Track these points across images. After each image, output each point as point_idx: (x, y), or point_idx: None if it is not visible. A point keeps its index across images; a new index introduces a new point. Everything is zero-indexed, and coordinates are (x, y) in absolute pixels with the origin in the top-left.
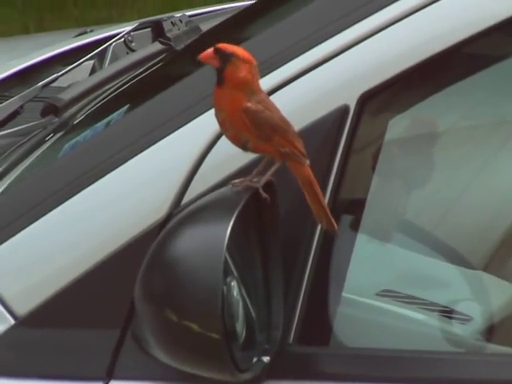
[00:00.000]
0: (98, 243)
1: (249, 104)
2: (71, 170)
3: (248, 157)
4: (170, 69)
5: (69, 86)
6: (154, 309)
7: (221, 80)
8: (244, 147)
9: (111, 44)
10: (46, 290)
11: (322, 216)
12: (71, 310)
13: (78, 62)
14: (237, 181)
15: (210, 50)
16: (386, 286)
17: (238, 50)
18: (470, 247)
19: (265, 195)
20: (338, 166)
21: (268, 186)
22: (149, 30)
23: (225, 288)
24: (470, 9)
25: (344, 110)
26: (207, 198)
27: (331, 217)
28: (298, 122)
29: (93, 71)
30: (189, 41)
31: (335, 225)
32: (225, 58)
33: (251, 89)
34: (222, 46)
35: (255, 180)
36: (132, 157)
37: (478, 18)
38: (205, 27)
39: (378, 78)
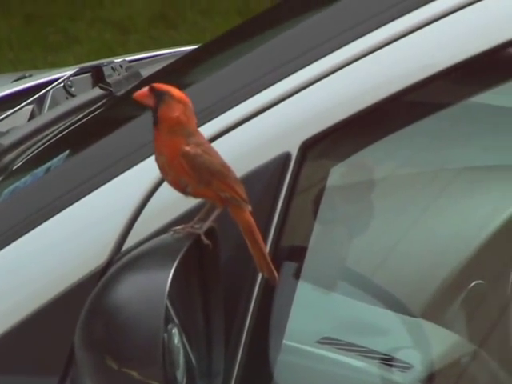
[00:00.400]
0: (38, 289)
1: (187, 148)
2: (10, 215)
3: (190, 203)
4: (111, 114)
5: (8, 131)
6: (94, 356)
7: (156, 120)
8: (184, 192)
9: (51, 89)
10: None
11: (263, 264)
12: (9, 357)
13: (18, 107)
14: (178, 227)
15: (145, 89)
16: (327, 333)
17: (172, 89)
18: (410, 294)
19: (206, 241)
20: (280, 212)
21: (210, 232)
22: (89, 75)
23: (166, 335)
24: (410, 58)
25: (286, 158)
26: (148, 245)
27: (272, 266)
28: (240, 169)
29: (32, 116)
30: (129, 86)
31: (276, 274)
32: (159, 96)
33: (187, 130)
34: (157, 85)
35: (197, 226)
36: (73, 203)
37: (417, 67)
38: (145, 72)
39: (319, 125)
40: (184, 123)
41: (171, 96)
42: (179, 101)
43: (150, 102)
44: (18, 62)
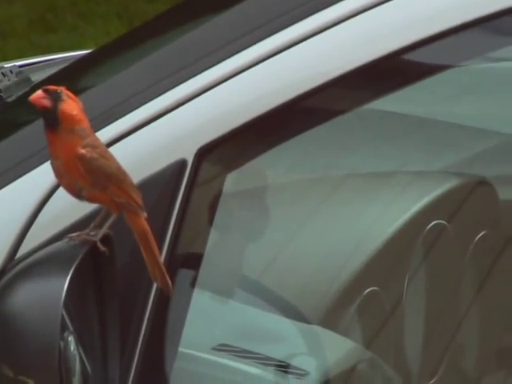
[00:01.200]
0: None
1: (83, 151)
2: None
3: (85, 209)
4: (2, 120)
5: None
6: None
7: (53, 121)
8: (79, 196)
9: None
10: None
11: (157, 274)
12: None
13: None
14: (74, 234)
15: (39, 91)
16: (223, 340)
17: (64, 89)
18: (306, 301)
19: (103, 248)
20: (176, 219)
21: (106, 239)
22: None
23: (62, 343)
24: (303, 66)
25: (182, 164)
26: (43, 252)
27: (166, 276)
28: (135, 175)
29: None
30: (20, 92)
31: (170, 284)
32: (55, 96)
33: (84, 131)
34: (50, 87)
35: (92, 233)
36: None
37: (311, 74)
38: (36, 78)
39: (215, 132)
40: (83, 121)
41: (67, 94)
42: (74, 99)
43: (47, 103)
44: None
